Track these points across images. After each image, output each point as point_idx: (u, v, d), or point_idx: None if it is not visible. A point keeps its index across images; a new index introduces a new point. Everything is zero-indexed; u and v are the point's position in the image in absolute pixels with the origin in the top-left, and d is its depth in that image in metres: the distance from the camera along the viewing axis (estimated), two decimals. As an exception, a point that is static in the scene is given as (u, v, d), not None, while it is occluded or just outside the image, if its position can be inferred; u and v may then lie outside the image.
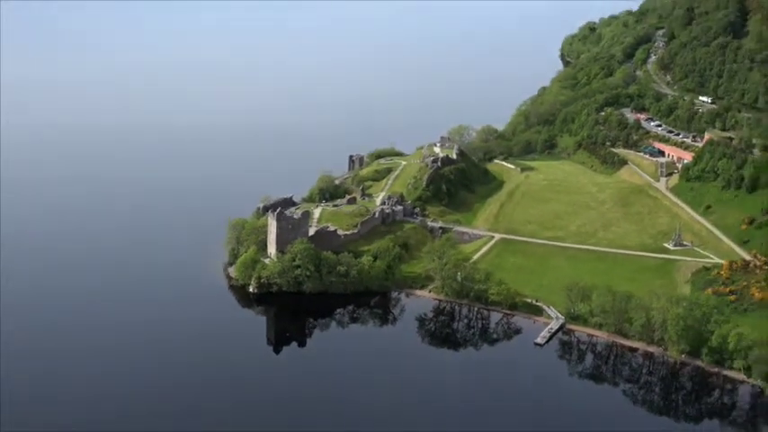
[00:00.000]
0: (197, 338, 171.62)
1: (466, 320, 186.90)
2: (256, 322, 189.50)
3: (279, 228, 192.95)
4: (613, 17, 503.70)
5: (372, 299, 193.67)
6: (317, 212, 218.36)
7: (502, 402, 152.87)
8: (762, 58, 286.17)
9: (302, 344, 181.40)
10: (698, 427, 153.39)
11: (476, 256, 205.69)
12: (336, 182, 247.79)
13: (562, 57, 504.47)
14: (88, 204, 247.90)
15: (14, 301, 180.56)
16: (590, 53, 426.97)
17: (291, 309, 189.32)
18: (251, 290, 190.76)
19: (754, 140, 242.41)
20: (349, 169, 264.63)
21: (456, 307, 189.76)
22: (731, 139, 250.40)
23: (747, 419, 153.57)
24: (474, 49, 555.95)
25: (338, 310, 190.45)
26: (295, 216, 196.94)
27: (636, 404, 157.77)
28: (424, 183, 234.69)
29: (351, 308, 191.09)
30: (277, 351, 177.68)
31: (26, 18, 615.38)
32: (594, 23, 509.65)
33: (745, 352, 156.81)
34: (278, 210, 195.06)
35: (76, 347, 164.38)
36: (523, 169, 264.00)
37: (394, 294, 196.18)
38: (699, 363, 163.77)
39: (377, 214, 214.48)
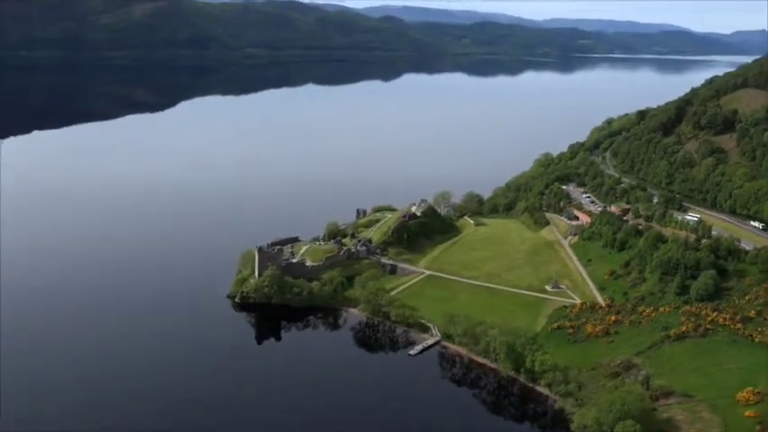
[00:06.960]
0: (198, 327, 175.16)
1: (381, 332, 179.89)
2: (241, 321, 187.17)
3: (259, 258, 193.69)
4: (626, 114, 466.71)
5: (322, 312, 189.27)
6: (304, 248, 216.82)
7: (383, 393, 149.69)
8: (671, 150, 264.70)
9: (278, 338, 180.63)
10: (521, 426, 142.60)
11: (405, 286, 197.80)
12: (342, 227, 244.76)
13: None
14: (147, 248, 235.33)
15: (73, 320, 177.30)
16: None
17: (264, 314, 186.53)
18: (236, 300, 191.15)
19: (641, 211, 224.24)
20: (356, 218, 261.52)
21: (375, 321, 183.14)
22: (628, 209, 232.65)
23: (549, 425, 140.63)
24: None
25: (305, 319, 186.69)
26: (272, 251, 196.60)
27: (482, 405, 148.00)
28: (390, 231, 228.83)
29: (309, 318, 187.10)
30: (259, 342, 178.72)
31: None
32: (613, 118, 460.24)
33: (547, 373, 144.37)
34: (259, 247, 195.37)
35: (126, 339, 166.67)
36: (477, 224, 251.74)
37: (340, 310, 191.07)
38: (520, 378, 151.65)
39: (342, 252, 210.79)
